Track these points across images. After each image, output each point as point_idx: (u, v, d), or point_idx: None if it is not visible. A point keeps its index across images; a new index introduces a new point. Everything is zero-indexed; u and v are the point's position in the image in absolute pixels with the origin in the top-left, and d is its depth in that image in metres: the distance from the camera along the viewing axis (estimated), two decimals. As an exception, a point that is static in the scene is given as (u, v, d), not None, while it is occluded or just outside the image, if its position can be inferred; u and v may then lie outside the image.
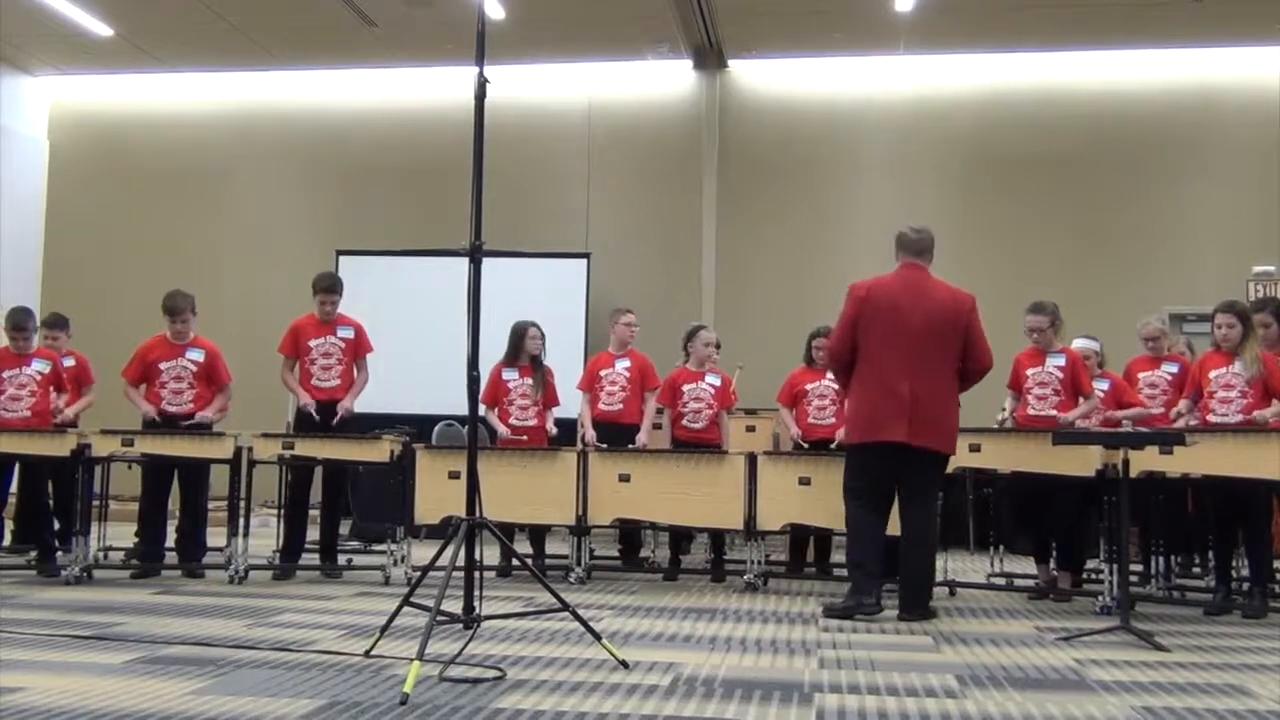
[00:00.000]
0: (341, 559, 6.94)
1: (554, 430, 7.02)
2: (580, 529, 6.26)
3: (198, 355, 6.67)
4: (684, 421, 6.90)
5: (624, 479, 6.19)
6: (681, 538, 7.01)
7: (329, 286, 6.79)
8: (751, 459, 6.09)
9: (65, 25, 10.55)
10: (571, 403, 7.42)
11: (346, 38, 10.71)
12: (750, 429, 8.42)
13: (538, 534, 7.01)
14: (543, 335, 7.02)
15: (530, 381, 6.94)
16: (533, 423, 6.92)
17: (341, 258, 10.66)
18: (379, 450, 6.36)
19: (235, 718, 3.04)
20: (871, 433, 5.12)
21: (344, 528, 7.72)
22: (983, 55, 10.89)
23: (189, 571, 6.43)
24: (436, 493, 6.30)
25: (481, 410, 6.84)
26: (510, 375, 6.95)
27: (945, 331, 5.16)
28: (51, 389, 6.69)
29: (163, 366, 6.60)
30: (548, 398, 7.01)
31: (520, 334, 6.97)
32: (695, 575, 6.75)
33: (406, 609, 3.92)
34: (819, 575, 6.78)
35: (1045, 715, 3.21)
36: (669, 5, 9.90)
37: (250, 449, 6.24)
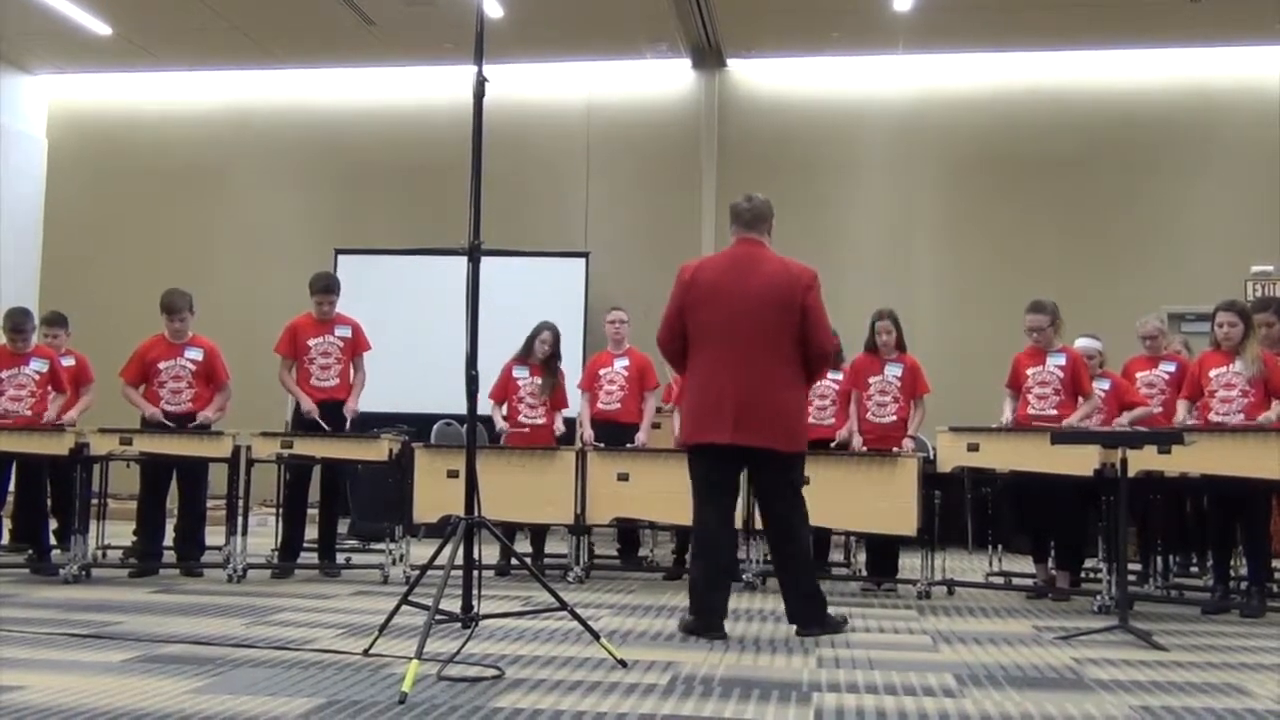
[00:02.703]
0: (340, 558, 6.94)
1: (562, 428, 7.04)
2: (579, 528, 6.26)
3: (196, 354, 6.66)
4: None
5: (623, 478, 6.19)
6: (685, 538, 7.01)
7: (326, 286, 6.79)
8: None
9: (64, 24, 10.54)
10: (575, 404, 7.43)
11: (345, 37, 10.71)
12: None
13: (537, 533, 7.01)
14: (555, 339, 7.02)
15: (539, 381, 6.95)
16: (540, 421, 6.94)
17: (340, 257, 10.66)
18: (378, 449, 6.36)
19: (233, 716, 3.03)
20: (697, 433, 4.59)
21: (342, 526, 7.72)
22: (981, 55, 10.89)
23: (187, 570, 6.42)
24: (435, 492, 6.30)
25: (489, 406, 6.86)
26: (521, 373, 6.97)
27: (777, 312, 4.53)
28: (49, 389, 6.68)
29: (161, 366, 6.60)
30: (556, 399, 7.02)
31: (532, 335, 7.00)
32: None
33: (405, 608, 3.92)
34: (819, 575, 6.78)
35: (1044, 714, 3.21)
36: (668, 4, 9.89)
37: (249, 448, 6.24)
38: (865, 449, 6.33)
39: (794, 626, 4.59)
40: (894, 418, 6.42)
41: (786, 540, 4.60)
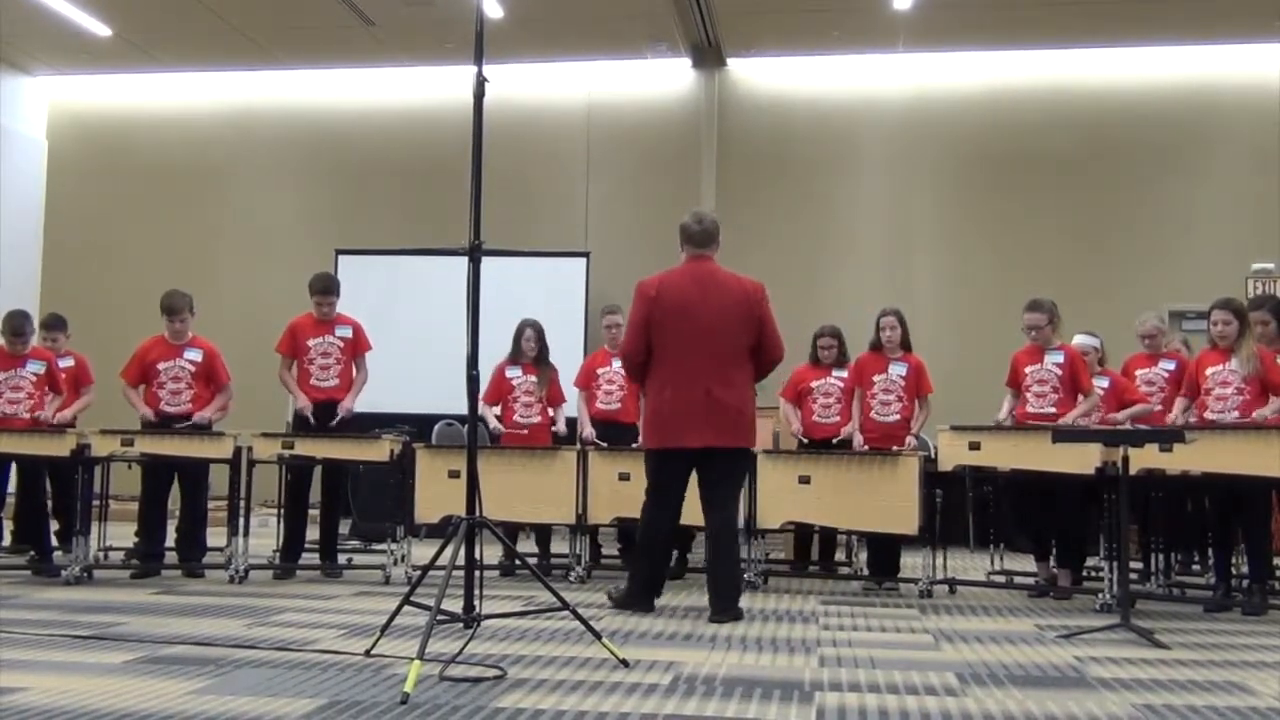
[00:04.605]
0: (341, 558, 6.94)
1: (563, 430, 7.04)
2: (580, 528, 6.26)
3: (196, 355, 6.66)
4: None
5: (624, 478, 6.19)
6: (687, 536, 7.01)
7: (325, 288, 6.79)
8: (751, 458, 6.08)
9: (64, 25, 10.55)
10: (572, 400, 7.42)
11: (345, 37, 10.71)
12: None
13: (543, 534, 7.01)
14: (539, 334, 7.02)
15: (535, 379, 6.95)
16: (536, 420, 6.94)
17: (341, 257, 10.66)
18: (379, 450, 6.37)
19: (235, 717, 3.03)
20: (672, 438, 5.01)
21: (344, 527, 7.72)
22: (981, 53, 10.89)
23: (189, 571, 6.43)
24: (436, 492, 6.31)
25: (484, 409, 6.87)
26: (514, 373, 6.98)
27: (739, 325, 5.04)
28: (46, 390, 6.68)
29: (161, 367, 6.60)
30: (552, 395, 7.02)
31: (517, 334, 7.00)
32: (696, 574, 6.75)
33: (407, 608, 3.92)
34: (821, 574, 6.79)
35: (1045, 713, 3.21)
36: (668, 4, 9.89)
37: (250, 448, 6.24)
38: (867, 447, 6.33)
39: (714, 612, 4.91)
40: (897, 417, 6.42)
41: (727, 539, 5.05)
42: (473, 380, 3.95)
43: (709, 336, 4.98)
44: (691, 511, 5.98)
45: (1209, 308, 5.85)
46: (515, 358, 7.02)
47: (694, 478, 5.15)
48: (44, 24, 10.54)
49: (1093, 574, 6.30)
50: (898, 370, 6.46)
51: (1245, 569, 5.82)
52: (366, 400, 7.01)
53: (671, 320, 5.01)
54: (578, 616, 3.89)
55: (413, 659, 3.36)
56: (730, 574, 5.05)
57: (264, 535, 7.22)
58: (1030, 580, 6.27)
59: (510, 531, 6.49)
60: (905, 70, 11.05)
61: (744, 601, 5.49)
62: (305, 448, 6.34)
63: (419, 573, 4.06)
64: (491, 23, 9.64)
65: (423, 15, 10.13)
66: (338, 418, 6.62)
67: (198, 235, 11.85)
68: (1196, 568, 6.83)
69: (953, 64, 11.01)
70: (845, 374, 6.75)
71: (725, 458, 5.04)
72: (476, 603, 3.91)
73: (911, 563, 6.44)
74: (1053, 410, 6.03)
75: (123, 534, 7.26)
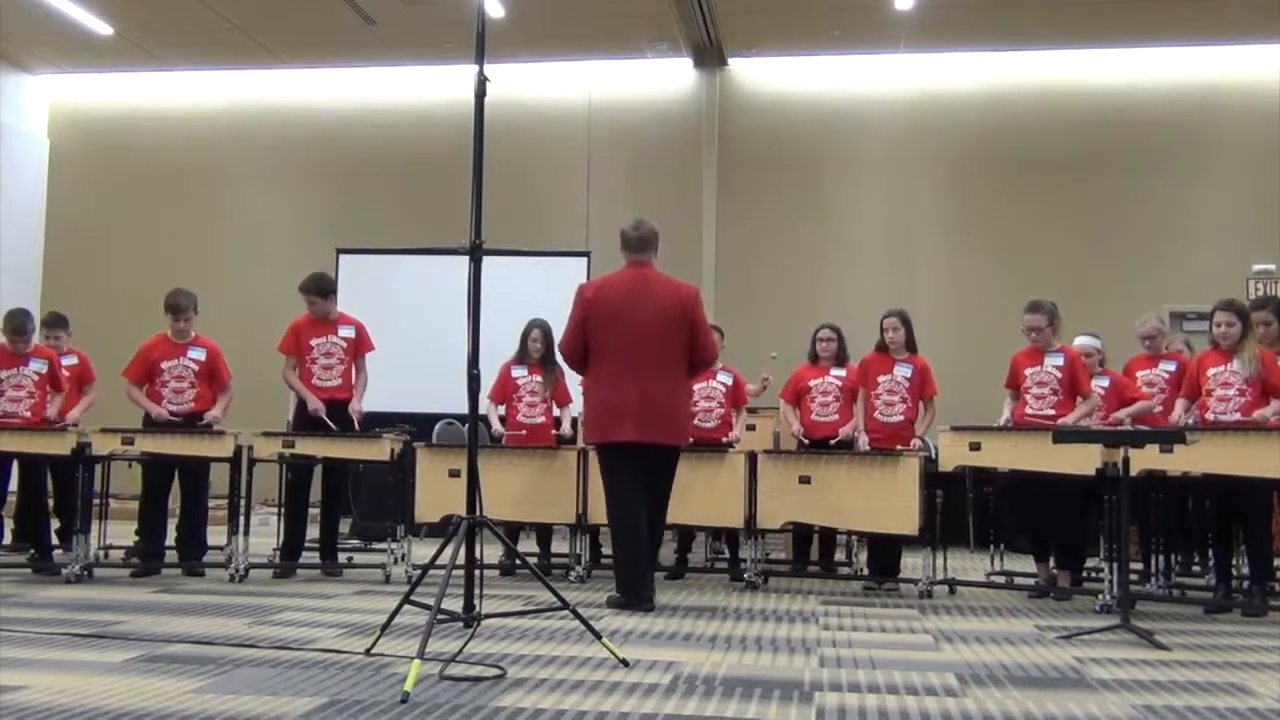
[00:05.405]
0: (342, 557, 6.94)
1: (569, 431, 7.04)
2: (580, 527, 6.26)
3: (199, 354, 6.67)
4: (695, 420, 6.87)
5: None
6: (688, 536, 7.02)
7: (309, 288, 6.75)
8: (751, 458, 6.09)
9: (65, 24, 10.55)
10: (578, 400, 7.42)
11: (346, 36, 10.71)
12: (751, 427, 8.42)
13: (543, 533, 7.01)
14: (545, 335, 7.02)
15: (540, 379, 6.95)
16: (539, 421, 6.93)
17: (341, 256, 10.65)
18: (379, 449, 6.36)
19: (235, 716, 3.03)
20: (604, 433, 5.33)
21: (344, 526, 7.72)
22: (983, 53, 10.90)
23: (189, 570, 6.43)
24: (437, 491, 6.31)
25: (489, 408, 6.87)
26: (520, 373, 6.97)
27: (671, 328, 5.33)
28: (49, 389, 6.68)
29: (164, 365, 6.60)
30: (559, 395, 7.02)
31: (524, 334, 7.00)
32: (696, 573, 6.76)
33: (407, 607, 3.92)
34: (821, 574, 6.79)
35: (1045, 714, 3.21)
36: (669, 3, 9.89)
37: (250, 447, 6.24)
38: (870, 448, 6.32)
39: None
40: (901, 418, 6.41)
41: (653, 525, 5.40)
42: (473, 379, 3.95)
43: (641, 338, 5.28)
44: (686, 511, 6.03)
45: (1211, 309, 5.84)
46: (521, 357, 7.01)
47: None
48: (46, 22, 10.55)
49: (1093, 575, 6.30)
50: (903, 371, 6.45)
51: (1245, 570, 5.82)
52: (367, 400, 7.00)
53: (607, 322, 5.32)
54: (578, 616, 3.89)
55: (413, 658, 3.36)
56: (648, 566, 5.38)
57: (264, 534, 7.22)
58: (1030, 581, 6.26)
59: (511, 531, 6.49)
60: (906, 70, 11.05)
61: (744, 602, 5.51)
62: (306, 447, 6.34)
63: (419, 572, 4.06)
64: (492, 22, 9.64)
65: (423, 15, 10.14)
66: (355, 422, 6.62)
67: (198, 234, 11.85)
68: (1197, 569, 6.82)
69: (954, 64, 11.01)
70: (844, 373, 6.75)
71: (661, 455, 5.33)
72: (476, 602, 3.91)
73: (912, 563, 6.44)
74: (1052, 412, 6.02)
75: (123, 532, 7.26)
